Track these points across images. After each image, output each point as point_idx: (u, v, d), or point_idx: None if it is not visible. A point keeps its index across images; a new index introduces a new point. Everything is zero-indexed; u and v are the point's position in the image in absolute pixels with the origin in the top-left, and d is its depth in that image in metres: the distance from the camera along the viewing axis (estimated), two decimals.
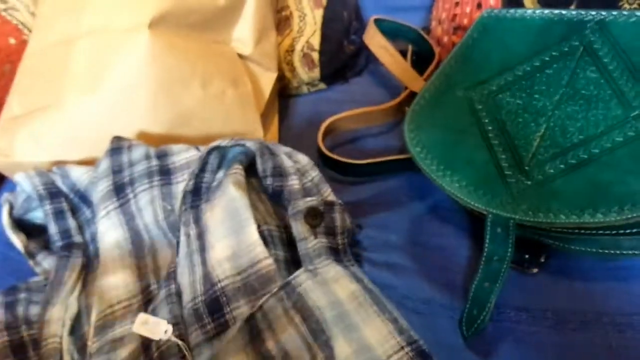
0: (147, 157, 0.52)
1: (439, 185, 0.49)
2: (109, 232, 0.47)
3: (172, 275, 0.44)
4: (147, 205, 0.50)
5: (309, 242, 0.43)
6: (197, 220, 0.46)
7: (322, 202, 0.45)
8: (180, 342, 0.39)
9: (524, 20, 0.52)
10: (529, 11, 0.52)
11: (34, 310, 0.46)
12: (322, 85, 0.72)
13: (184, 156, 0.52)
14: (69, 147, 0.57)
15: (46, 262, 0.49)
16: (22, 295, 0.47)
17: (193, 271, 0.43)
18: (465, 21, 0.65)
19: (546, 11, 0.51)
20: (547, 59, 0.49)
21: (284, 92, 0.72)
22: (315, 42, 0.70)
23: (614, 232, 0.42)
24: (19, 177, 0.52)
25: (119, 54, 0.55)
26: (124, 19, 0.56)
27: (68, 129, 0.57)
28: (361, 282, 0.42)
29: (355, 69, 0.74)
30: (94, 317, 0.42)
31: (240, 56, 0.64)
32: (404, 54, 0.68)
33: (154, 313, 0.41)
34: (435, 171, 0.49)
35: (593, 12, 0.48)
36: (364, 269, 0.49)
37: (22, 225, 0.52)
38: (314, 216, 0.44)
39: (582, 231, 0.43)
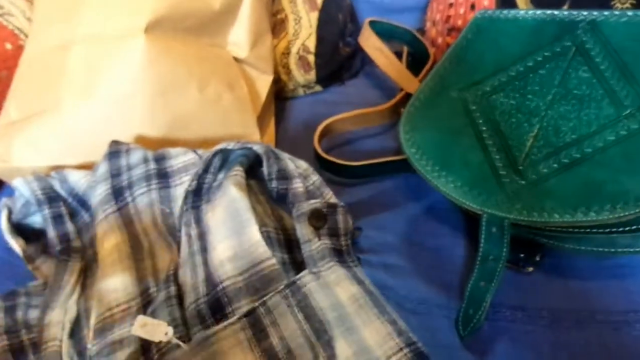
0: (145, 160, 0.52)
1: (435, 185, 0.49)
2: (108, 235, 0.47)
3: (171, 278, 0.44)
4: (145, 208, 0.50)
5: (312, 244, 0.43)
6: (198, 221, 0.47)
7: (325, 205, 0.45)
8: (181, 344, 0.39)
9: (517, 21, 0.53)
10: (522, 12, 0.52)
11: (34, 314, 0.46)
12: (318, 88, 0.73)
13: (182, 159, 0.53)
14: (66, 152, 0.57)
15: (45, 266, 0.50)
16: (22, 300, 0.47)
17: (195, 272, 0.44)
18: (460, 22, 0.65)
19: (539, 12, 0.51)
20: (539, 59, 0.49)
21: (280, 95, 0.73)
22: (311, 44, 0.70)
23: (607, 230, 0.43)
24: (17, 182, 0.53)
25: (116, 59, 0.56)
26: (120, 24, 0.56)
27: (66, 133, 0.57)
28: (362, 284, 0.42)
29: (351, 70, 0.74)
30: (93, 320, 0.42)
31: (236, 59, 0.64)
32: (399, 55, 0.69)
33: (153, 315, 0.41)
34: (430, 172, 0.50)
35: (585, 12, 0.48)
36: None
37: (20, 229, 0.52)
38: (317, 218, 0.44)
39: (576, 230, 0.44)
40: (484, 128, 0.50)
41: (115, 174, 0.51)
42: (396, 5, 0.77)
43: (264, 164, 0.48)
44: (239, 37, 0.64)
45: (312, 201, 0.45)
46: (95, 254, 0.48)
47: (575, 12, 0.49)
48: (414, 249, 0.51)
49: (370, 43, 0.66)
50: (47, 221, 0.50)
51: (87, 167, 0.56)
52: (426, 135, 0.52)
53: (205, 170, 0.49)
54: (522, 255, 0.48)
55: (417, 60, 0.69)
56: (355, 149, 0.64)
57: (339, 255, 0.44)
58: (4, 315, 0.46)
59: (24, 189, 0.52)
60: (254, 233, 0.43)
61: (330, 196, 0.48)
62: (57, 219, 0.51)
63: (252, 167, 0.51)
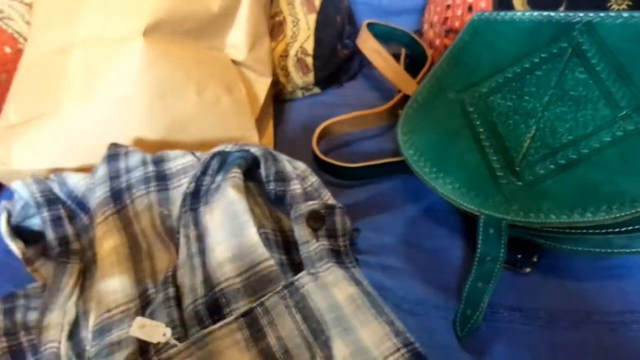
0: (144, 163, 0.52)
1: (432, 187, 0.49)
2: (107, 237, 0.48)
3: (169, 279, 0.44)
4: (144, 210, 0.50)
5: (310, 246, 0.44)
6: (197, 223, 0.47)
7: (323, 206, 0.46)
8: (178, 344, 0.39)
9: (514, 22, 0.53)
10: (519, 13, 0.53)
11: (33, 316, 0.46)
12: (316, 90, 0.73)
13: (181, 162, 0.53)
14: (66, 155, 0.58)
15: (44, 269, 0.50)
16: (21, 302, 0.47)
17: (194, 274, 0.44)
18: (457, 24, 0.65)
19: (535, 13, 0.52)
20: (536, 60, 0.50)
21: (278, 97, 0.73)
22: (309, 46, 0.70)
23: (603, 231, 0.43)
24: (16, 185, 0.53)
25: (114, 62, 0.56)
26: (118, 27, 0.56)
27: (65, 136, 0.57)
28: (360, 285, 0.42)
29: (349, 73, 0.74)
30: (91, 321, 0.43)
31: (235, 62, 0.64)
32: (397, 57, 0.69)
33: (151, 316, 0.42)
34: (428, 173, 0.50)
35: (581, 14, 0.49)
36: None
37: (20, 232, 0.52)
38: (315, 219, 0.45)
39: (573, 230, 0.44)
40: (482, 129, 0.50)
41: (114, 177, 0.51)
42: (394, 7, 0.78)
43: (262, 166, 0.48)
44: (237, 39, 0.64)
45: (310, 202, 0.46)
46: (94, 255, 0.48)
47: (571, 14, 0.49)
48: (412, 250, 0.51)
49: (368, 45, 0.66)
50: (46, 223, 0.51)
51: (87, 169, 0.56)
52: (424, 137, 0.52)
53: (204, 172, 0.49)
54: (519, 256, 0.48)
55: (415, 62, 0.69)
56: (354, 151, 0.64)
57: (337, 256, 0.44)
58: (3, 317, 0.46)
59: (23, 191, 0.52)
60: (252, 235, 0.44)
61: (328, 197, 0.48)
62: (56, 221, 0.51)
63: (250, 169, 0.51)
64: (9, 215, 0.52)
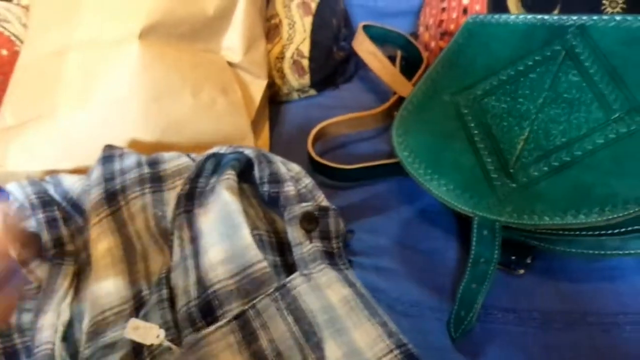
0: (139, 164, 0.52)
1: (427, 189, 0.49)
2: (101, 239, 0.48)
3: (163, 281, 0.44)
4: (138, 212, 0.50)
5: (304, 247, 0.44)
6: (191, 225, 0.47)
7: (317, 208, 0.46)
8: (173, 346, 0.39)
9: (508, 25, 0.53)
10: (513, 16, 0.53)
11: (27, 318, 0.46)
12: (312, 92, 0.73)
13: (175, 163, 0.53)
14: (61, 157, 0.58)
15: (39, 270, 0.50)
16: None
17: (187, 275, 0.44)
18: (452, 27, 0.66)
19: (529, 16, 0.52)
20: (530, 63, 0.50)
21: (274, 99, 0.73)
22: (305, 49, 0.71)
23: (596, 232, 0.43)
24: (11, 187, 0.53)
25: (110, 65, 0.56)
26: (114, 30, 0.57)
27: (61, 138, 0.57)
28: (354, 286, 0.43)
29: (345, 75, 0.75)
30: (86, 323, 0.43)
31: (230, 64, 0.64)
32: (392, 59, 0.69)
33: (145, 318, 0.42)
34: (423, 175, 0.50)
35: (574, 17, 0.49)
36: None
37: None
38: (309, 221, 0.45)
39: (566, 232, 0.44)
40: (476, 131, 0.50)
41: (108, 178, 0.51)
42: (390, 9, 0.78)
43: (255, 167, 0.48)
44: (233, 42, 0.64)
45: (304, 204, 0.46)
46: (88, 257, 0.48)
47: (565, 17, 0.49)
48: (406, 251, 0.51)
49: (364, 47, 0.67)
50: (41, 225, 0.51)
51: (82, 171, 0.56)
52: (419, 139, 0.52)
53: (198, 174, 0.49)
54: (513, 257, 0.48)
55: (410, 64, 0.70)
56: (349, 152, 0.64)
57: (331, 257, 0.44)
58: None
59: (18, 193, 0.52)
60: (246, 236, 0.44)
61: (322, 199, 0.49)
62: (51, 223, 0.51)
63: (245, 171, 0.51)
64: None
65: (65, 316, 0.45)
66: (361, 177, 0.59)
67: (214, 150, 0.49)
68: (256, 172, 0.48)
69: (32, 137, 0.57)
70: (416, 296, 0.48)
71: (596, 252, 0.45)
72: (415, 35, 0.74)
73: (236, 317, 0.40)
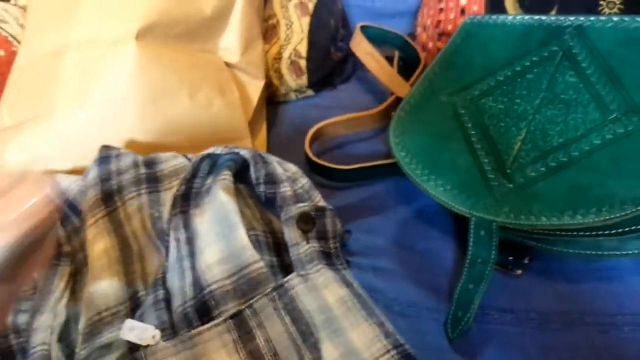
0: (136, 165, 0.52)
1: (424, 189, 0.49)
2: (98, 240, 0.48)
3: (159, 282, 0.44)
4: (135, 212, 0.50)
5: (301, 248, 0.44)
6: (187, 226, 0.47)
7: (313, 208, 0.46)
8: (168, 345, 0.39)
9: (506, 26, 0.53)
10: (510, 17, 0.53)
11: (23, 318, 0.46)
12: (310, 92, 0.73)
13: (172, 164, 0.53)
14: (59, 157, 0.58)
15: None
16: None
17: (183, 276, 0.44)
18: (450, 27, 0.66)
19: (527, 17, 0.52)
20: (527, 64, 0.50)
21: (272, 100, 0.73)
22: (303, 49, 0.70)
23: (594, 233, 0.43)
24: None
25: (108, 65, 0.56)
26: (111, 31, 0.57)
27: (58, 139, 0.57)
28: (351, 287, 0.42)
29: (343, 75, 0.75)
30: (82, 324, 0.43)
31: (228, 65, 0.64)
32: (390, 60, 0.69)
33: (141, 319, 0.41)
34: (420, 176, 0.50)
35: (572, 18, 0.49)
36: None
37: None
38: (306, 222, 0.45)
39: (564, 233, 0.44)
40: (473, 132, 0.50)
41: (105, 179, 0.51)
42: (387, 10, 0.78)
43: (252, 168, 0.48)
44: (231, 42, 0.64)
45: (301, 205, 0.46)
46: (85, 258, 0.48)
47: (562, 18, 0.49)
48: (404, 252, 0.51)
49: (362, 48, 0.67)
50: None
51: (80, 171, 0.56)
52: (416, 140, 0.52)
53: (194, 175, 0.49)
54: (511, 258, 0.48)
55: (408, 65, 0.70)
56: (347, 153, 0.64)
57: (328, 258, 0.44)
58: None
59: None
60: (242, 237, 0.43)
61: (319, 200, 0.49)
62: None
63: (241, 171, 0.51)
64: None
65: (61, 317, 0.45)
66: (359, 177, 0.59)
67: (210, 151, 0.49)
68: (252, 173, 0.48)
69: (29, 137, 0.57)
70: (413, 297, 0.48)
71: (594, 252, 0.45)
72: (413, 36, 0.74)
73: (233, 317, 0.40)
